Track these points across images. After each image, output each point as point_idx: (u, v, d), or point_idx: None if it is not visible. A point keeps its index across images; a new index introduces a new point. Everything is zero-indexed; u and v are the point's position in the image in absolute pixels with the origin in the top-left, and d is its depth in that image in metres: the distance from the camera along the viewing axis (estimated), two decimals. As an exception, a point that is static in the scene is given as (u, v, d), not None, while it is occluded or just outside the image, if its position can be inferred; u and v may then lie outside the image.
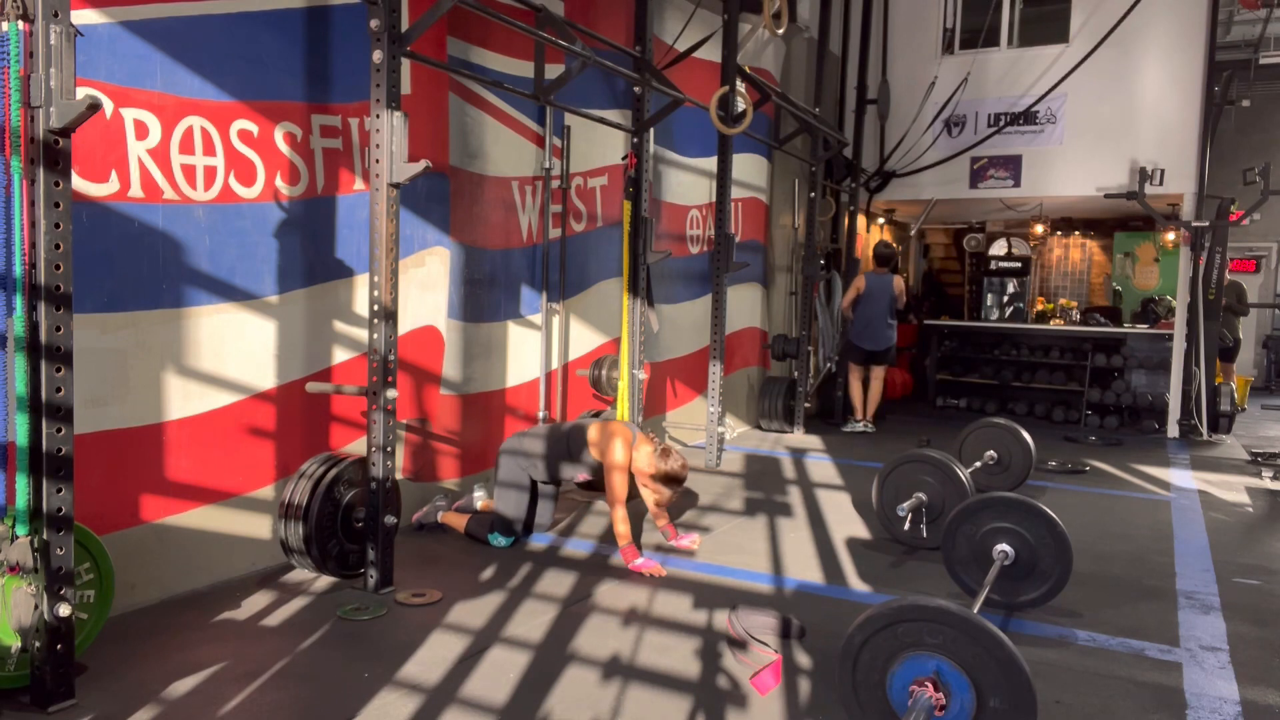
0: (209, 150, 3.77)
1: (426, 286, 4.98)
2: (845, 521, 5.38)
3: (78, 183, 3.27)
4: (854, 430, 8.81)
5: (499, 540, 4.60)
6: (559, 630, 3.53)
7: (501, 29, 4.94)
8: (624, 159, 5.89)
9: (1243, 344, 11.21)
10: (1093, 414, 9.76)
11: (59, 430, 2.71)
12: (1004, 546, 3.82)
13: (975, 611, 2.66)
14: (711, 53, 6.93)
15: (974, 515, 3.92)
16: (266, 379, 4.09)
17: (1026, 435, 5.97)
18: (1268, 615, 3.99)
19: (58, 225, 2.67)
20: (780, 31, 6.04)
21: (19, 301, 2.66)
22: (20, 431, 2.66)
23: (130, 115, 3.47)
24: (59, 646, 2.74)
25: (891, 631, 2.53)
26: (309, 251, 4.24)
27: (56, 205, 2.67)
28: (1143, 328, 9.85)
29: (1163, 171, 9.11)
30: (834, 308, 9.12)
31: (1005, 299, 11.36)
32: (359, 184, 4.45)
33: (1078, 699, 3.08)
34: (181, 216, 3.68)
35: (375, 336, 3.81)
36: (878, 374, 8.86)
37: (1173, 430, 9.18)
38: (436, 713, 2.83)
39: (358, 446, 4.45)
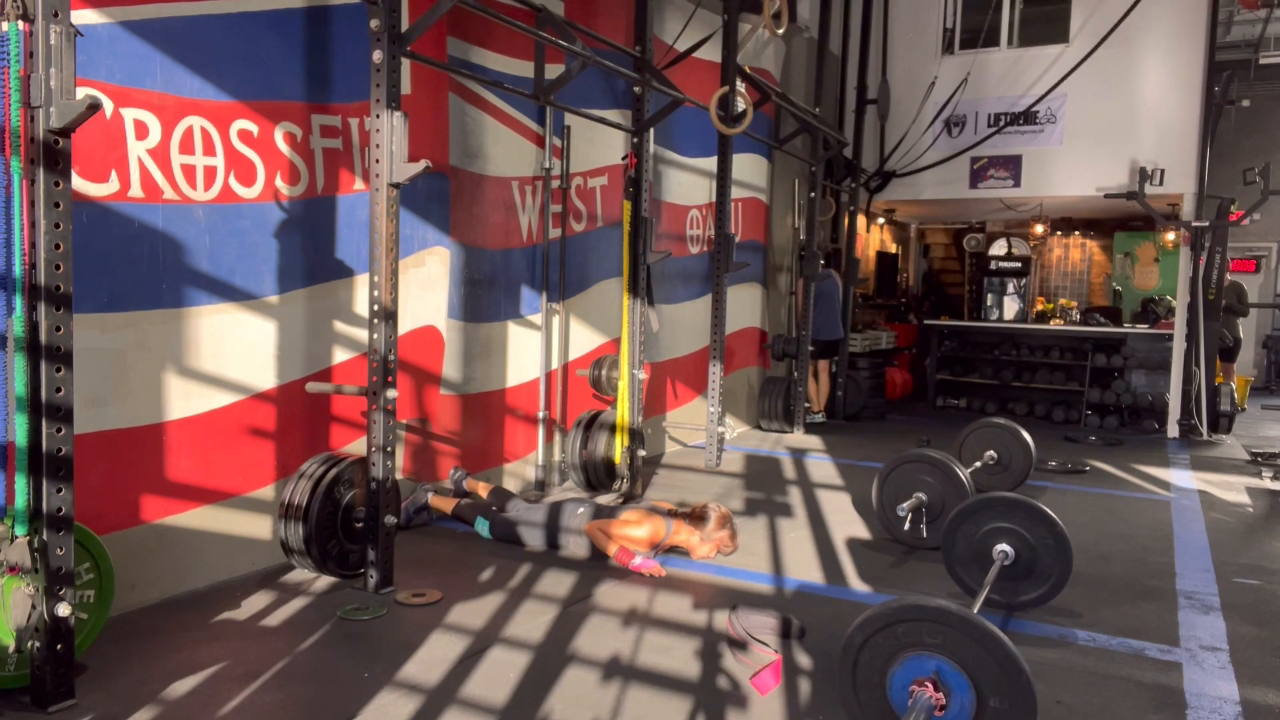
0: (209, 150, 3.77)
1: (426, 286, 4.98)
2: (845, 521, 5.37)
3: (78, 183, 3.27)
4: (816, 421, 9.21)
5: (483, 528, 4.68)
6: (559, 630, 3.53)
7: (501, 29, 4.94)
8: (624, 159, 5.89)
9: (1243, 344, 11.20)
10: (1093, 414, 9.76)
11: (59, 430, 2.71)
12: (1004, 546, 3.82)
13: (975, 611, 2.66)
14: (711, 53, 6.93)
15: (974, 515, 3.92)
16: (266, 379, 4.09)
17: (1026, 435, 5.97)
18: (1268, 615, 3.99)
19: (58, 225, 2.67)
20: (780, 31, 6.04)
21: (19, 301, 2.66)
22: (20, 431, 2.66)
23: (130, 115, 3.47)
24: (59, 646, 2.74)
25: (891, 631, 2.53)
26: (309, 251, 4.24)
27: (56, 205, 2.66)
28: (1143, 328, 9.85)
29: (1163, 171, 9.11)
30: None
31: (1005, 299, 11.37)
32: (359, 184, 4.45)
33: (1078, 699, 3.08)
34: (181, 216, 3.68)
35: (375, 336, 3.81)
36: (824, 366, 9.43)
37: (1173, 430, 9.18)
38: (436, 713, 2.83)
39: (358, 446, 4.45)
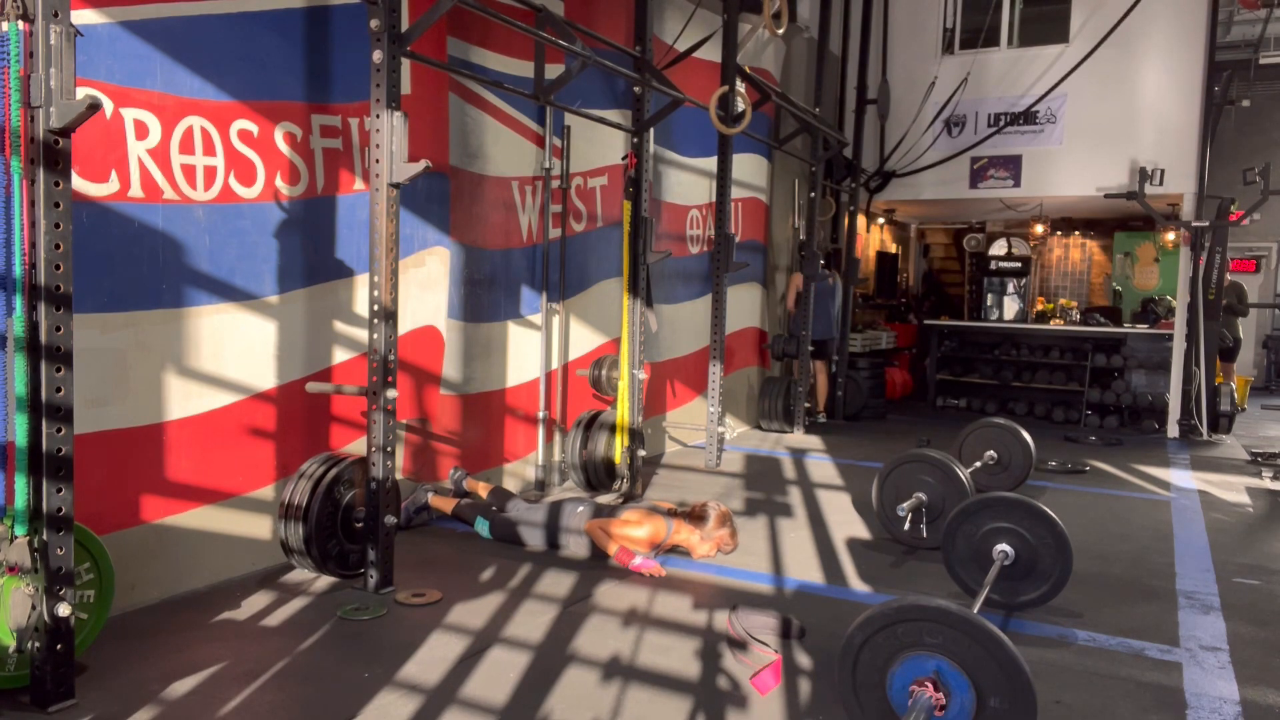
0: (209, 150, 3.77)
1: (426, 286, 4.98)
2: (845, 521, 5.37)
3: (78, 183, 3.27)
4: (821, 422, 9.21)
5: (483, 528, 4.68)
6: (559, 630, 3.53)
7: (501, 29, 4.94)
8: (624, 159, 5.89)
9: (1243, 344, 11.20)
10: (1093, 414, 9.76)
11: (59, 430, 2.71)
12: (1004, 546, 3.82)
13: (975, 611, 2.66)
14: (711, 53, 6.93)
15: (974, 515, 3.92)
16: (266, 379, 4.09)
17: (1026, 435, 5.97)
18: (1268, 615, 3.99)
19: (58, 225, 2.67)
20: (780, 31, 6.04)
21: (19, 301, 2.66)
22: (20, 431, 2.66)
23: (130, 115, 3.47)
24: (59, 646, 2.74)
25: (891, 631, 2.53)
26: (309, 251, 4.24)
27: (56, 205, 2.66)
28: (1143, 328, 9.85)
29: (1163, 171, 9.11)
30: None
31: (1005, 299, 11.38)
32: (359, 184, 4.45)
33: (1078, 699, 3.08)
34: (181, 216, 3.68)
35: (375, 336, 3.81)
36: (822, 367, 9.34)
37: (1173, 430, 9.18)
38: (436, 713, 2.83)
39: (358, 446, 4.45)
